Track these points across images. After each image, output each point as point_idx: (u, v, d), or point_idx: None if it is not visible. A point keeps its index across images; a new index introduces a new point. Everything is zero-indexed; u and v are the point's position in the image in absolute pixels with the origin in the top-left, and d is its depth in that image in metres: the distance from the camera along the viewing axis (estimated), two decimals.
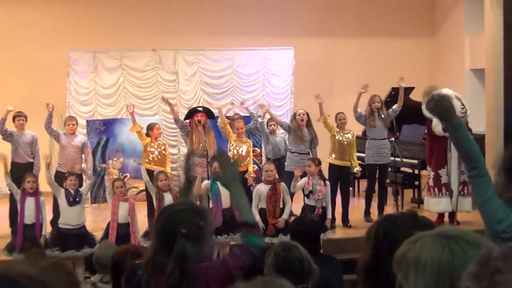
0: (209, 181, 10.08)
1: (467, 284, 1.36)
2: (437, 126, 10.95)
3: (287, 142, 11.69)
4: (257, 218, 9.63)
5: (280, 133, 12.05)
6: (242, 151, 11.28)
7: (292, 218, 9.91)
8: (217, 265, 3.60)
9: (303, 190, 10.06)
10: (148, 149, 11.38)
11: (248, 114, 12.26)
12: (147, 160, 11.35)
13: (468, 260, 1.72)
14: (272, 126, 11.87)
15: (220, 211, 9.62)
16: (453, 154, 10.91)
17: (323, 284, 4.83)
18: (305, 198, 10.03)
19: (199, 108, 11.85)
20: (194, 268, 3.42)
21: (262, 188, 9.80)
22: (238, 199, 3.86)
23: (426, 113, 11.13)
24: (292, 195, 10.33)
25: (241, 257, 3.67)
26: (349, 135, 11.34)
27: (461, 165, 10.94)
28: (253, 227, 3.84)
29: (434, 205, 11.14)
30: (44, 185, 10.16)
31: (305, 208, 9.99)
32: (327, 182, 10.21)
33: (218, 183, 9.77)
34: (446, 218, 11.06)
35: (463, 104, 11.20)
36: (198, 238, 3.48)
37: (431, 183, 11.18)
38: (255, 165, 11.49)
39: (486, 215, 3.84)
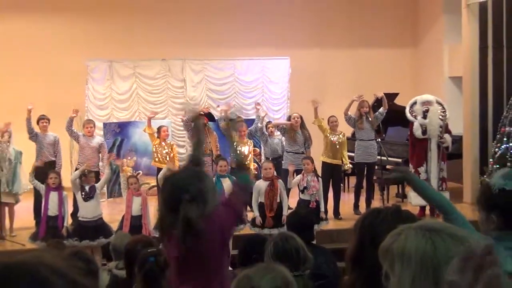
0: (214, 178, 10.11)
1: (452, 277, 1.34)
2: (417, 129, 11.02)
3: (284, 143, 11.73)
4: (256, 212, 9.74)
5: (277, 135, 12.04)
6: (244, 150, 11.29)
7: (289, 211, 10.03)
8: (223, 209, 3.69)
9: (298, 185, 10.13)
10: (158, 149, 11.42)
11: (249, 118, 12.34)
12: (157, 159, 11.40)
13: (449, 251, 1.72)
14: (271, 129, 11.89)
15: None
16: (433, 154, 10.96)
17: (316, 271, 4.86)
18: (300, 193, 10.08)
19: (203, 112, 11.84)
20: (203, 223, 3.47)
21: (261, 184, 9.85)
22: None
23: (409, 116, 11.26)
24: (288, 190, 10.37)
25: (240, 193, 3.92)
26: (340, 136, 11.34)
27: (440, 164, 11.01)
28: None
29: (414, 198, 11.01)
30: (66, 181, 10.24)
31: (300, 202, 10.04)
32: (320, 179, 10.28)
33: (221, 179, 9.89)
34: (428, 211, 11.03)
35: (444, 108, 11.24)
36: (201, 199, 3.54)
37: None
38: (255, 164, 11.50)
39: None
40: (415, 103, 11.26)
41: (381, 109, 11.56)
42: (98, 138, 11.61)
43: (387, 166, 12.18)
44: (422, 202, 10.91)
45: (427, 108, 11.06)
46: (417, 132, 11.00)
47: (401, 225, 2.32)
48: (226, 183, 9.86)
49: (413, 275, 1.72)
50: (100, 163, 11.32)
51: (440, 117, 11.10)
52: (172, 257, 3.64)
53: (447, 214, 3.74)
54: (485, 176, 11.71)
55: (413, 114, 11.16)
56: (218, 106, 12.72)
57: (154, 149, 11.46)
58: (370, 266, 2.42)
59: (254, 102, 12.91)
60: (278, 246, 4.24)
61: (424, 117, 11.04)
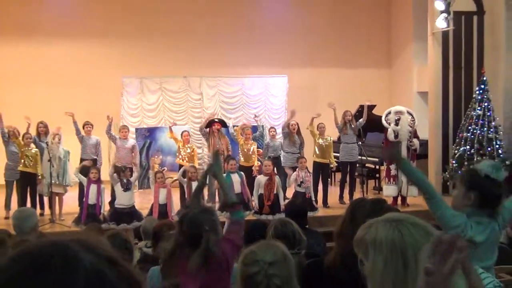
0: (225, 174, 10.16)
1: (425, 260, 1.29)
2: (390, 134, 11.03)
3: (283, 145, 11.73)
4: (256, 201, 9.81)
5: (279, 138, 12.06)
6: (249, 151, 11.33)
7: (286, 201, 10.10)
8: (225, 244, 3.67)
9: (295, 181, 10.22)
10: (180, 150, 11.46)
11: (253, 125, 12.40)
12: (179, 158, 11.43)
13: (413, 237, 1.71)
14: (272, 133, 11.93)
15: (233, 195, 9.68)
16: (403, 153, 10.99)
17: (309, 251, 4.91)
18: (297, 186, 10.13)
19: (216, 119, 11.90)
20: (218, 250, 3.50)
21: (261, 179, 9.92)
22: (223, 184, 4.21)
23: (384, 123, 11.29)
24: (285, 188, 10.49)
25: (236, 230, 3.87)
26: (328, 139, 11.33)
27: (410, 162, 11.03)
28: (236, 206, 4.09)
29: (385, 190, 11.24)
30: (105, 176, 10.30)
31: (297, 193, 10.08)
32: (310, 174, 10.38)
33: (231, 175, 9.95)
34: (399, 201, 11.04)
35: (413, 117, 11.25)
36: (214, 228, 3.57)
37: (385, 174, 11.32)
38: (258, 161, 11.54)
39: (442, 223, 3.64)
40: (389, 112, 11.26)
41: (361, 120, 11.58)
42: (131, 140, 11.58)
43: (366, 164, 12.24)
44: (394, 193, 11.04)
45: (399, 117, 11.06)
46: (390, 136, 11.03)
47: (373, 214, 2.38)
48: (235, 178, 9.96)
49: (385, 260, 1.70)
50: (134, 160, 11.39)
51: (410, 124, 11.13)
52: None
53: (430, 197, 3.67)
54: (446, 172, 11.76)
55: (388, 122, 11.17)
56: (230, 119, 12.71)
57: (178, 150, 11.51)
58: (347, 238, 2.49)
59: (254, 114, 12.92)
60: (278, 229, 4.25)
61: (396, 124, 11.04)
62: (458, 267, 1.25)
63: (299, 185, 10.07)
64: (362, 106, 11.82)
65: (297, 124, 11.44)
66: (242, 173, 10.33)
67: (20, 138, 10.37)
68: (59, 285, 0.83)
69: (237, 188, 9.77)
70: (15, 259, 0.88)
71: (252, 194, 10.06)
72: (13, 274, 0.85)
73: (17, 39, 14.32)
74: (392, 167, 10.98)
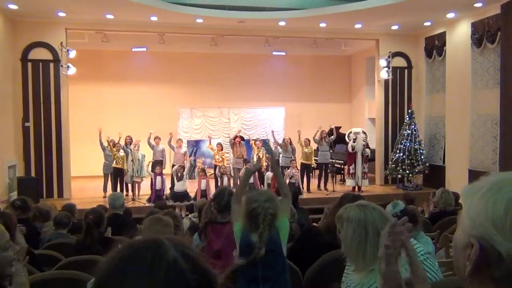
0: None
1: (384, 237, 1.22)
2: (350, 147, 10.96)
3: (280, 152, 11.61)
4: (266, 187, 9.70)
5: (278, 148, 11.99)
6: (260, 155, 11.26)
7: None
8: None
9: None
10: (216, 155, 11.42)
11: (262, 138, 12.36)
12: (215, 160, 11.40)
13: (372, 217, 1.74)
14: (275, 145, 11.86)
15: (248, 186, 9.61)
16: (358, 160, 10.90)
17: (298, 222, 4.82)
18: (289, 179, 10.00)
19: (238, 135, 11.89)
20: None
21: (269, 174, 9.97)
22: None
23: (346, 139, 11.20)
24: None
25: None
26: (310, 149, 11.24)
27: (363, 165, 10.90)
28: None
29: (347, 182, 11.22)
30: (167, 170, 10.24)
31: (290, 184, 9.94)
32: (298, 171, 10.31)
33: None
34: (356, 190, 10.92)
35: (366, 135, 11.18)
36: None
37: (347, 172, 11.20)
38: (266, 162, 11.47)
39: None
40: (350, 132, 11.20)
41: (332, 137, 11.48)
42: (184, 148, 11.61)
43: (335, 165, 12.11)
44: (353, 184, 10.92)
45: (356, 136, 11.00)
46: (350, 148, 10.98)
47: (349, 202, 2.33)
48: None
49: (353, 230, 1.74)
50: (185, 162, 11.34)
51: (363, 140, 11.03)
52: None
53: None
54: (386, 170, 11.63)
55: (349, 139, 11.10)
56: (250, 139, 12.53)
57: (214, 155, 11.47)
58: (333, 216, 2.45)
59: (271, 130, 12.78)
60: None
61: (354, 141, 10.97)
62: (406, 243, 1.23)
63: (291, 178, 9.96)
64: (331, 129, 11.71)
65: (290, 138, 11.40)
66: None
67: (112, 146, 10.36)
68: (145, 271, 0.74)
69: (251, 180, 9.71)
70: (124, 248, 0.79)
71: (262, 184, 10.00)
72: (118, 259, 0.77)
73: (113, 83, 14.42)
74: (352, 168, 10.91)
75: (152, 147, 10.99)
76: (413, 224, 3.64)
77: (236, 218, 2.67)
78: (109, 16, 10.16)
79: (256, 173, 10.12)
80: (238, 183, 9.94)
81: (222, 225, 3.30)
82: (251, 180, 9.71)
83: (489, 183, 0.80)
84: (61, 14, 9.92)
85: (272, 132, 12.10)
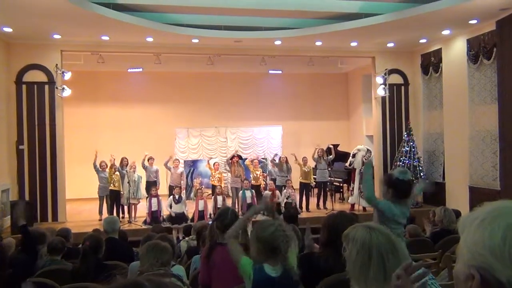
0: (241, 191, 10.09)
1: (395, 276, 1.18)
2: (347, 163, 10.96)
3: (276, 171, 11.60)
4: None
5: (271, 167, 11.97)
6: (257, 175, 11.23)
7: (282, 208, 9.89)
8: None
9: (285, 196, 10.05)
10: (213, 174, 11.39)
11: (261, 158, 12.35)
12: (213, 180, 11.36)
13: (378, 240, 1.72)
14: (272, 165, 11.80)
15: (245, 205, 9.58)
16: (356, 177, 10.90)
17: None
18: (285, 199, 9.95)
19: (235, 154, 11.90)
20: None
21: (267, 193, 10.15)
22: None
23: (351, 158, 11.17)
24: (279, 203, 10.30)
25: None
26: (308, 167, 11.25)
27: (360, 183, 10.88)
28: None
29: (349, 200, 11.14)
30: (162, 191, 10.17)
31: (286, 204, 9.90)
32: (294, 191, 10.27)
33: (246, 191, 9.83)
34: (356, 207, 10.88)
35: (370, 154, 11.19)
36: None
37: (347, 189, 11.19)
38: (264, 181, 11.46)
39: (384, 211, 3.74)
40: (358, 150, 11.11)
41: (330, 156, 11.47)
42: (181, 168, 11.62)
43: (334, 183, 12.08)
44: (353, 201, 10.86)
45: (356, 152, 11.00)
46: (347, 164, 11.02)
47: (346, 222, 2.29)
48: (248, 194, 9.86)
49: (357, 251, 1.72)
50: (182, 182, 11.31)
51: (364, 157, 11.02)
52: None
53: (371, 201, 3.80)
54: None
55: (353, 157, 11.11)
56: (246, 158, 12.60)
57: (211, 175, 11.45)
58: (333, 246, 2.53)
59: (274, 154, 12.77)
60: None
61: (353, 156, 11.00)
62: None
63: (287, 198, 9.92)
64: (329, 148, 11.73)
65: (286, 157, 11.40)
66: (253, 190, 10.29)
67: (109, 168, 10.33)
68: None
69: (249, 200, 9.70)
70: None
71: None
72: None
73: (109, 104, 14.45)
74: (352, 185, 10.90)
75: (145, 168, 10.95)
76: (407, 195, 3.78)
77: (237, 255, 2.52)
78: (105, 38, 10.26)
79: (254, 192, 10.10)
80: (237, 202, 9.89)
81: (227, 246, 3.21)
82: (249, 200, 9.67)
83: (484, 212, 0.81)
84: (56, 36, 10.01)
85: (275, 156, 12.10)
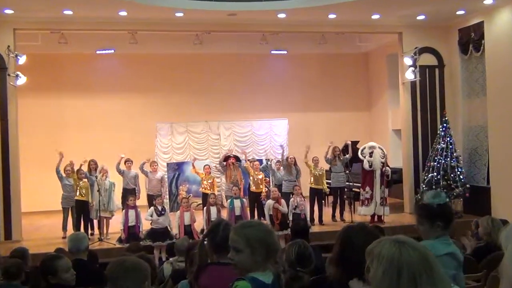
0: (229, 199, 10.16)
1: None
2: (366, 164, 11.06)
3: (282, 175, 11.55)
4: (268, 220, 9.64)
5: (282, 170, 11.98)
6: (258, 179, 11.24)
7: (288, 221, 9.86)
8: None
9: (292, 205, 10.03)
10: (203, 181, 11.40)
11: (261, 158, 12.33)
12: (203, 187, 11.36)
13: (410, 258, 1.73)
14: (277, 165, 11.83)
15: (233, 217, 9.60)
16: (377, 181, 10.91)
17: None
18: (293, 209, 9.94)
19: (231, 155, 11.88)
20: None
21: (270, 202, 9.88)
22: None
23: (360, 156, 11.24)
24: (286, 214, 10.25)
25: None
26: (321, 170, 11.23)
27: (382, 188, 10.91)
28: None
29: (358, 211, 11.22)
30: (140, 202, 10.17)
31: (294, 215, 9.86)
32: (304, 199, 10.21)
33: (234, 200, 9.87)
34: (376, 218, 10.91)
35: (383, 151, 11.23)
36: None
37: (361, 198, 11.22)
38: (266, 188, 11.45)
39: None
40: (364, 148, 11.27)
41: (347, 155, 11.52)
42: (160, 173, 11.63)
43: (353, 189, 12.10)
44: (368, 213, 10.90)
45: (372, 151, 11.07)
46: (366, 166, 11.07)
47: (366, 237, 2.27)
48: (237, 203, 9.93)
49: (383, 270, 1.71)
50: (162, 189, 11.34)
51: (381, 156, 11.07)
52: None
53: None
54: (418, 195, 11.62)
55: (363, 155, 11.16)
56: (242, 152, 12.67)
57: (201, 181, 11.45)
58: (338, 262, 2.56)
59: (280, 145, 12.78)
60: (301, 248, 4.03)
61: (370, 156, 11.03)
62: None
63: (295, 209, 9.91)
64: (346, 145, 11.74)
65: (294, 157, 11.39)
66: (244, 199, 10.40)
67: (75, 174, 10.32)
68: None
69: (238, 211, 9.77)
70: None
71: (263, 216, 10.13)
72: None
73: (74, 94, 14.44)
74: (367, 189, 10.94)
75: (122, 173, 10.93)
76: (445, 225, 3.65)
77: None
78: (67, 12, 10.23)
79: (246, 202, 10.15)
80: (234, 215, 9.89)
81: (222, 266, 3.14)
82: (238, 211, 9.74)
83: None
84: (8, 11, 9.99)
85: (282, 147, 12.08)
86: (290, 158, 11.36)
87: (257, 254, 2.36)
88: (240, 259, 2.39)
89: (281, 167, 11.56)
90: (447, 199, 3.81)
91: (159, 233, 9.39)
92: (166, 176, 12.25)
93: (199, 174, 11.51)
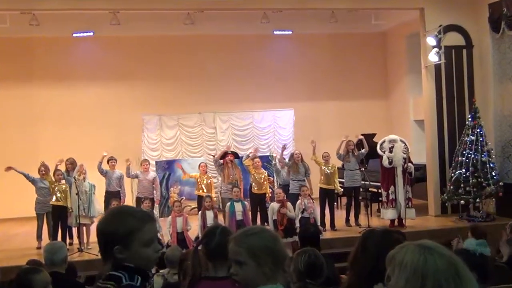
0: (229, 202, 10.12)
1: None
2: (385, 161, 10.97)
3: (290, 174, 11.54)
4: (272, 227, 9.57)
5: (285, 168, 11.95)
6: (260, 179, 11.19)
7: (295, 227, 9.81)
8: None
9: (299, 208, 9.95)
10: (199, 181, 11.35)
11: (264, 154, 12.28)
12: (199, 189, 11.31)
13: (436, 266, 1.75)
14: (281, 164, 11.76)
15: (234, 223, 9.56)
16: (399, 179, 10.84)
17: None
18: (300, 213, 9.87)
19: (229, 151, 11.82)
20: None
21: (274, 205, 9.77)
22: None
23: (378, 151, 11.16)
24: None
25: None
26: (333, 167, 11.16)
27: (405, 187, 10.85)
28: None
29: (384, 214, 11.11)
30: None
31: (301, 219, 9.76)
32: (313, 200, 10.12)
33: (234, 203, 9.82)
34: (396, 223, 10.83)
35: (405, 145, 11.15)
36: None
37: (384, 199, 11.12)
38: (270, 189, 11.41)
39: None
40: (384, 141, 11.16)
41: (363, 150, 11.45)
42: (152, 173, 11.61)
43: (370, 189, 12.05)
44: (392, 216, 10.83)
45: (392, 145, 10.96)
46: (385, 162, 10.94)
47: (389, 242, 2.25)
48: (238, 207, 9.88)
49: (406, 279, 1.73)
50: (154, 192, 11.30)
51: (403, 151, 11.00)
52: None
53: None
54: (444, 194, 11.58)
55: (382, 150, 11.05)
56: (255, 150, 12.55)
57: (197, 182, 11.39)
58: (359, 268, 2.66)
59: (283, 145, 12.69)
60: (311, 258, 4.16)
61: (390, 151, 10.93)
62: None
63: (303, 212, 9.84)
64: (360, 140, 11.68)
65: (300, 153, 11.32)
66: (246, 202, 10.38)
67: (52, 174, 10.26)
68: None
69: (239, 216, 9.75)
70: None
71: (266, 221, 10.07)
72: None
73: (48, 83, 14.44)
74: (391, 190, 10.88)
75: (104, 173, 10.88)
76: (481, 279, 3.59)
77: None
78: None
79: (248, 205, 10.13)
80: (235, 220, 9.83)
81: (218, 281, 3.09)
82: (239, 216, 9.70)
83: None
84: None
85: (284, 147, 12.04)
86: (296, 154, 11.29)
87: (264, 265, 2.30)
88: (245, 273, 2.32)
89: (284, 166, 11.49)
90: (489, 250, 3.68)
91: None
92: (157, 176, 12.18)
93: (192, 176, 11.46)
